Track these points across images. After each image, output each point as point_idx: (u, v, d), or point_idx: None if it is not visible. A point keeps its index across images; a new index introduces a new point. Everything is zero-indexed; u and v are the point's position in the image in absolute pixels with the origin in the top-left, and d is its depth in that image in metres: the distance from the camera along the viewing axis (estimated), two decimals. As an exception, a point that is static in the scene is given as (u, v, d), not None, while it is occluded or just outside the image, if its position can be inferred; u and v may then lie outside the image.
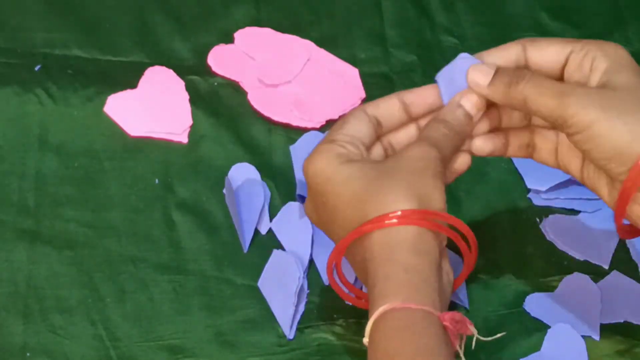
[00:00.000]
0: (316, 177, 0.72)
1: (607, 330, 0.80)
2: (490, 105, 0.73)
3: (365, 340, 0.66)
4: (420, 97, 0.75)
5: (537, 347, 0.79)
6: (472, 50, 0.94)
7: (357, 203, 0.69)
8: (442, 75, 0.74)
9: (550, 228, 0.84)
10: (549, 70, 0.73)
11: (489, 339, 0.68)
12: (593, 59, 0.71)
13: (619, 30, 0.97)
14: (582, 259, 0.83)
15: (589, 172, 0.72)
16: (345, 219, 0.70)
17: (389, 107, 0.74)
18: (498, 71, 0.72)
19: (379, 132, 0.74)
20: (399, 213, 0.67)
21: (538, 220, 0.85)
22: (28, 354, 0.78)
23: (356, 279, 0.77)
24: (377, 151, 0.74)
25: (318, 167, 0.71)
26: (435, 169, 0.70)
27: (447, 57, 0.94)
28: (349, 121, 0.73)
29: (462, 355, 0.66)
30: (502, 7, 0.98)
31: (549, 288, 0.82)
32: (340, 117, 0.88)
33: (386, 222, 0.68)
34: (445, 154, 0.71)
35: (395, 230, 0.68)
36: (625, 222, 0.71)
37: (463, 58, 0.73)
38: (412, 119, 0.75)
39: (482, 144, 0.74)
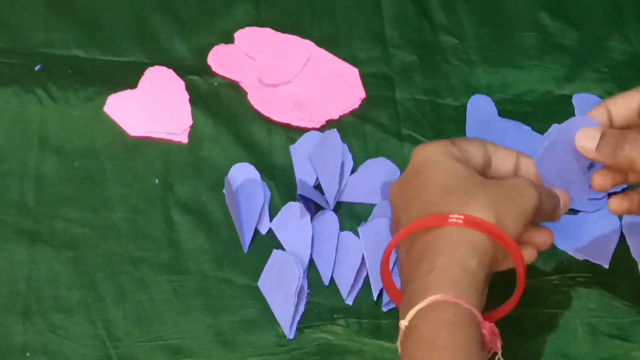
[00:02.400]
0: (423, 158, 0.74)
1: (603, 335, 0.80)
2: None
3: (405, 323, 0.67)
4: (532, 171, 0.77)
5: (536, 350, 0.79)
6: (472, 50, 0.95)
7: (444, 193, 0.71)
8: (541, 161, 0.76)
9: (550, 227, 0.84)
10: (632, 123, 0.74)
11: None
12: None
13: (619, 30, 0.97)
14: (581, 259, 0.83)
15: None
16: (428, 202, 0.72)
17: (505, 158, 0.77)
18: (604, 135, 0.73)
19: (486, 171, 0.76)
20: (476, 219, 0.70)
21: (538, 220, 0.85)
22: (28, 354, 0.78)
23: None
24: None
25: (429, 151, 0.74)
26: (525, 206, 0.72)
27: (447, 57, 0.94)
28: (472, 144, 0.76)
29: None
30: (502, 7, 0.98)
31: (549, 287, 0.82)
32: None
33: (460, 221, 0.69)
34: (540, 205, 0.73)
35: (466, 232, 0.70)
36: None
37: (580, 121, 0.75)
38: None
39: (618, 205, 0.76)
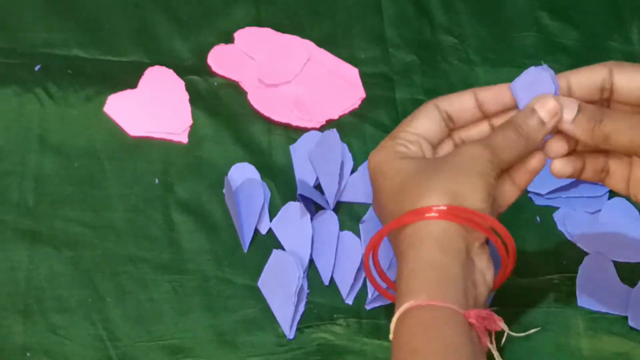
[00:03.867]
0: (373, 170, 0.73)
1: (604, 333, 0.80)
2: None
3: (391, 336, 0.66)
4: (495, 96, 0.74)
5: (537, 348, 0.79)
6: (472, 50, 0.95)
7: (397, 196, 0.70)
8: (517, 83, 0.73)
9: (563, 221, 0.85)
10: (635, 97, 0.72)
11: (520, 334, 0.68)
12: None
13: (619, 30, 0.97)
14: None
15: None
16: (387, 211, 0.71)
17: (462, 103, 0.74)
18: (581, 108, 0.71)
19: (451, 127, 0.74)
20: (429, 208, 0.68)
21: (538, 219, 0.85)
22: (28, 354, 0.78)
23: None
24: (448, 147, 0.74)
25: (376, 160, 0.73)
26: (481, 169, 0.69)
27: (447, 57, 0.94)
28: (419, 117, 0.73)
29: (494, 350, 0.66)
30: (502, 7, 0.98)
31: (549, 287, 0.82)
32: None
33: (412, 217, 0.68)
34: (503, 158, 0.70)
35: (424, 225, 0.68)
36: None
37: (542, 69, 0.72)
38: (485, 116, 0.74)
39: (563, 166, 0.73)
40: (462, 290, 0.67)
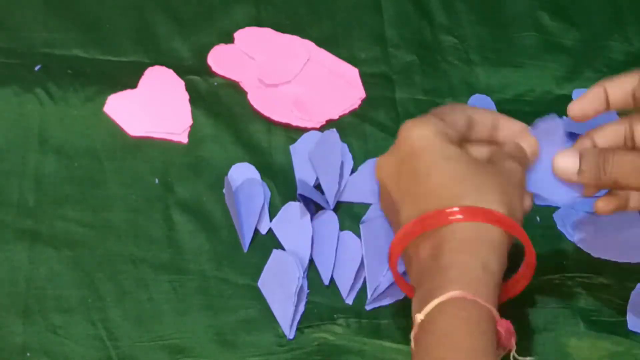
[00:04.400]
0: (420, 141, 0.72)
1: (604, 333, 0.80)
2: None
3: (421, 316, 0.67)
4: (511, 131, 0.76)
5: (537, 348, 0.79)
6: (472, 50, 0.95)
7: (455, 183, 0.70)
8: (537, 128, 0.76)
9: (563, 221, 0.85)
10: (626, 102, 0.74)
11: (522, 359, 0.69)
12: None
13: (619, 30, 0.97)
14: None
15: None
16: (436, 191, 0.70)
17: (485, 120, 0.76)
18: (583, 156, 0.73)
19: (467, 136, 0.76)
20: (498, 213, 0.69)
21: (538, 219, 0.85)
22: (28, 354, 0.78)
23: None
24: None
25: (425, 132, 0.72)
26: (521, 186, 0.72)
27: (447, 57, 0.94)
28: (456, 114, 0.74)
29: None
30: (502, 7, 0.98)
31: (549, 287, 0.82)
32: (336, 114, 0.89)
33: (477, 215, 0.68)
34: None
35: (485, 227, 0.69)
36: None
37: (553, 120, 0.76)
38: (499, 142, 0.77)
39: (604, 205, 0.76)
40: (497, 296, 0.68)
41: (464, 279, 0.67)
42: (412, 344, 0.67)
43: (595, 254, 0.83)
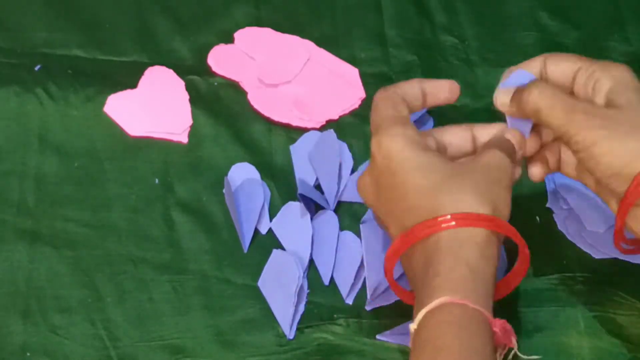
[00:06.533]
0: (391, 155, 0.72)
1: (604, 333, 0.80)
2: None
3: (414, 326, 0.67)
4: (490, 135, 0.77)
5: (537, 348, 0.79)
6: (472, 50, 0.95)
7: (431, 194, 0.70)
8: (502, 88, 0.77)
9: (564, 221, 0.85)
10: (563, 84, 0.75)
11: (526, 358, 0.69)
12: (596, 80, 0.73)
13: (619, 30, 0.97)
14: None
15: (600, 186, 0.74)
16: (415, 206, 0.70)
17: (458, 132, 0.77)
18: (517, 89, 0.74)
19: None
20: (477, 215, 0.69)
21: (538, 219, 0.85)
22: (28, 354, 0.78)
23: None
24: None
25: (395, 145, 0.72)
26: (508, 181, 0.72)
27: (447, 57, 0.94)
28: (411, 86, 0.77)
29: None
30: (502, 7, 0.98)
31: (549, 287, 0.82)
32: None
33: (458, 221, 0.69)
34: (514, 165, 0.74)
35: (468, 230, 0.69)
36: (630, 235, 0.74)
37: (519, 74, 0.76)
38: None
39: (538, 171, 0.77)
40: (491, 297, 0.68)
41: (450, 284, 0.67)
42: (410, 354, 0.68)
43: (595, 254, 0.83)
